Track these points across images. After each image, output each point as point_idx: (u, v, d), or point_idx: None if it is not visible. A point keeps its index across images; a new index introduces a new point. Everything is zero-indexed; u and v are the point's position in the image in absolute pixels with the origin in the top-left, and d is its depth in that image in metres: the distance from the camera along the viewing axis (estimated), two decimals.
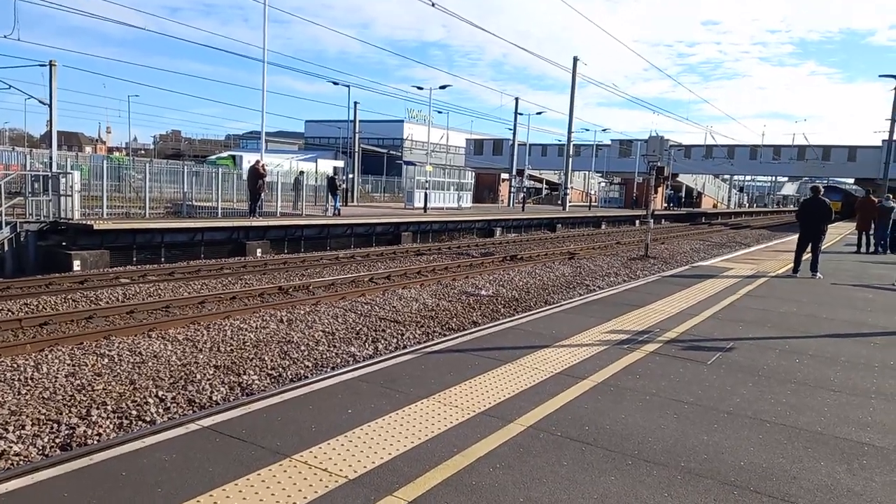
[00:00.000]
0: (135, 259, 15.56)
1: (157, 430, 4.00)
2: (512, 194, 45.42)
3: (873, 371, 6.02)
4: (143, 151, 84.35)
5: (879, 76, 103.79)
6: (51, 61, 18.45)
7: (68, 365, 7.19)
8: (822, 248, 13.18)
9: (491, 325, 7.68)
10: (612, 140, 63.54)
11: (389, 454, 3.70)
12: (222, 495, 3.16)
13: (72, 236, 14.60)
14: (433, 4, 19.08)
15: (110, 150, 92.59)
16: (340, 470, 3.48)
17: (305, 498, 3.16)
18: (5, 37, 16.76)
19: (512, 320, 7.87)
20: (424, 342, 7.86)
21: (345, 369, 5.58)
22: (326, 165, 40.55)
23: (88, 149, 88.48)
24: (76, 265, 13.96)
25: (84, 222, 15.02)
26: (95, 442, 5.22)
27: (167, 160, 47.57)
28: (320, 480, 3.35)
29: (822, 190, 12.95)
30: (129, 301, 10.87)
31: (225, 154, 56.19)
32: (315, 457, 3.63)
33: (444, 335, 8.65)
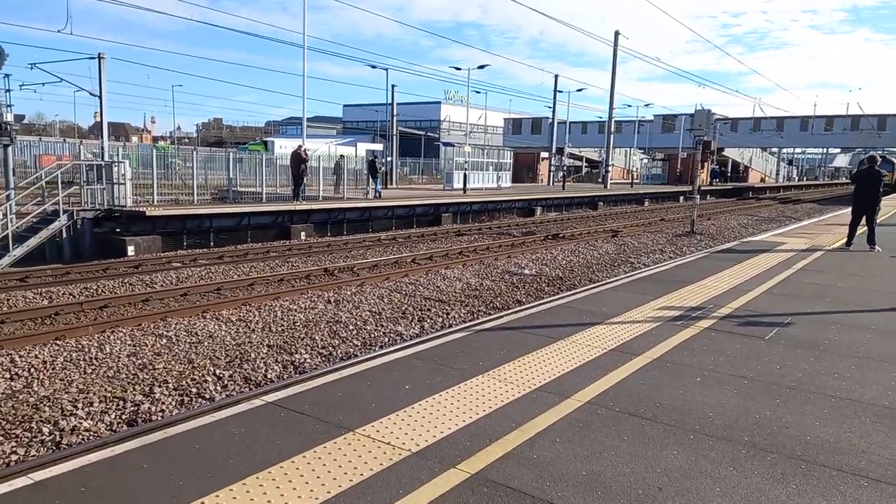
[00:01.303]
0: (185, 244, 16.01)
1: (224, 405, 4.14)
2: (552, 173, 44.90)
3: None
4: (186, 140, 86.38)
5: None
6: (100, 54, 18.92)
7: (129, 345, 7.48)
8: (879, 220, 12.69)
9: (537, 303, 7.65)
10: (654, 115, 61.95)
11: (449, 429, 3.74)
12: (292, 467, 3.25)
13: (125, 223, 15.09)
14: None
15: (155, 139, 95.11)
16: (403, 444, 3.53)
17: (372, 470, 3.22)
18: (59, 31, 17.34)
19: (558, 298, 7.82)
20: (470, 321, 7.88)
21: (397, 347, 5.65)
22: (365, 149, 40.81)
23: (135, 138, 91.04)
24: (130, 250, 14.44)
25: (137, 209, 15.50)
26: (160, 418, 5.43)
27: (210, 148, 48.71)
28: (384, 453, 3.41)
29: (879, 160, 12.43)
30: (183, 284, 11.20)
31: (258, 140, 57.87)
32: (377, 431, 3.70)
33: (490, 314, 8.65)
